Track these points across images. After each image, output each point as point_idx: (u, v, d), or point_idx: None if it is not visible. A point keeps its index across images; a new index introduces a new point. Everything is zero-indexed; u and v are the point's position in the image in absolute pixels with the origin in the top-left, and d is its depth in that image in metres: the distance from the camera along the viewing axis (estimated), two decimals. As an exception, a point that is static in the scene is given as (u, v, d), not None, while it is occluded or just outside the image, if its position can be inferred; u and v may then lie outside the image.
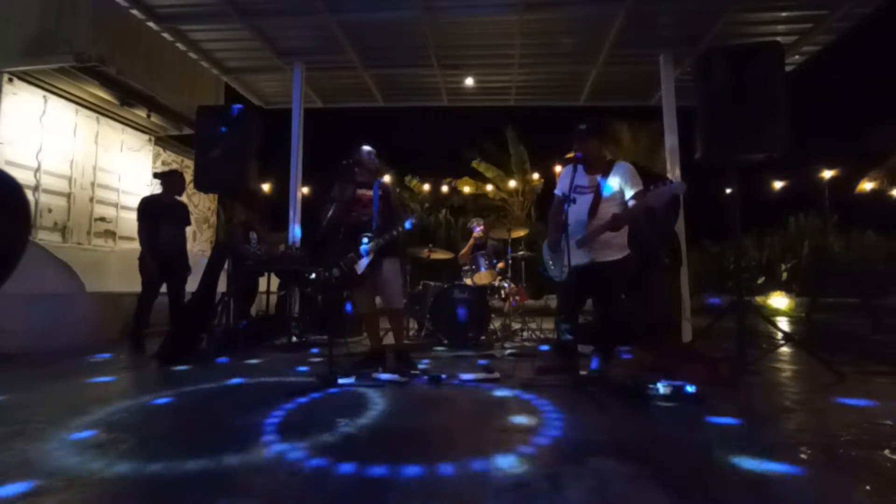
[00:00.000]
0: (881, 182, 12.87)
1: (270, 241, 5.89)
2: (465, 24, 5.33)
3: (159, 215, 4.38)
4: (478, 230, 5.70)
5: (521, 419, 2.15)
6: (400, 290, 3.46)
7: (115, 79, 6.56)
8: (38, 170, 6.37)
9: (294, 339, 4.94)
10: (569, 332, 2.99)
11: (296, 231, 5.76)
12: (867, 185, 13.02)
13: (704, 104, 3.27)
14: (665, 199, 2.49)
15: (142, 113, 7.51)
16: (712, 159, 3.29)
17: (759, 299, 10.79)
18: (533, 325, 5.39)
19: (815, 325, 7.01)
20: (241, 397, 2.63)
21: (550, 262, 3.07)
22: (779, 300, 10.87)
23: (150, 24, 5.41)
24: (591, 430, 2.00)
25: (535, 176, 13.56)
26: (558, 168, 13.89)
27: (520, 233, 5.58)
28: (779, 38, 5.29)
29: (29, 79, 6.39)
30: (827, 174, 14.33)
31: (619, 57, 5.82)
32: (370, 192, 3.40)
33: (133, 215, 4.89)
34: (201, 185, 4.18)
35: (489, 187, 13.87)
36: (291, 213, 5.89)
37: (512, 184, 13.41)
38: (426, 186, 13.75)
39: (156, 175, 5.18)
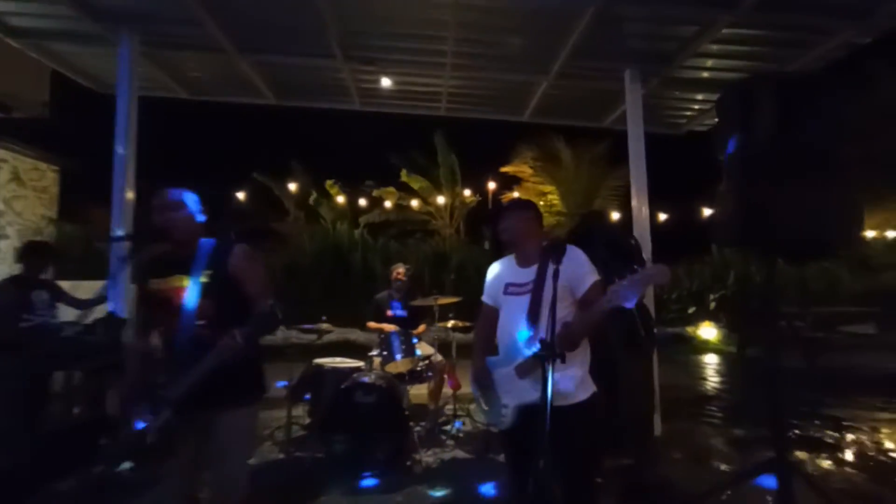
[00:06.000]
0: None
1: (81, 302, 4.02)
2: (379, 3, 3.90)
3: None
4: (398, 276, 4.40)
5: None
6: (244, 466, 1.99)
7: None
8: None
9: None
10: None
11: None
12: None
13: (739, 162, 2.15)
14: (639, 293, 1.66)
15: None
16: (741, 244, 2.19)
17: (689, 329, 10.60)
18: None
19: (750, 366, 6.64)
20: None
21: (482, 402, 2.13)
22: (708, 331, 10.78)
23: None
24: None
25: (467, 192, 12.40)
26: (492, 185, 12.96)
27: (448, 300, 4.26)
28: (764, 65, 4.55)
29: None
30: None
31: (578, 69, 4.76)
32: (179, 283, 1.89)
33: None
34: None
35: (414, 202, 12.43)
36: (113, 245, 4.04)
37: (440, 199, 12.11)
38: (340, 198, 11.95)
39: None
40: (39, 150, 9.39)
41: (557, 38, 4.30)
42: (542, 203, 10.27)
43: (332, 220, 11.37)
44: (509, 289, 2.04)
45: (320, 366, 3.92)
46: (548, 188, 10.12)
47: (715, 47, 4.36)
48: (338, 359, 4.09)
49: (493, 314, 2.09)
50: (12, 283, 3.79)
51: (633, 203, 4.53)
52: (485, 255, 10.89)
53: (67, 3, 3.88)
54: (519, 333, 1.93)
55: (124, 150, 4.16)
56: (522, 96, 5.60)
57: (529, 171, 9.69)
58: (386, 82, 4.92)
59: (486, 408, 2.10)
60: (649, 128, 4.95)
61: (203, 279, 1.89)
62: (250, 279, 1.95)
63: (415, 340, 3.89)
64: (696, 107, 5.83)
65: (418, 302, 4.35)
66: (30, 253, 3.89)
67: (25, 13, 4.21)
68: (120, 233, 3.70)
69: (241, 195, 12.84)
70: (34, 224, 9.34)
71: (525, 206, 2.15)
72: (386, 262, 9.77)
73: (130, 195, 4.10)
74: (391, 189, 12.42)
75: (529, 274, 1.99)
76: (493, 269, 2.17)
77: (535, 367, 1.81)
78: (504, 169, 9.83)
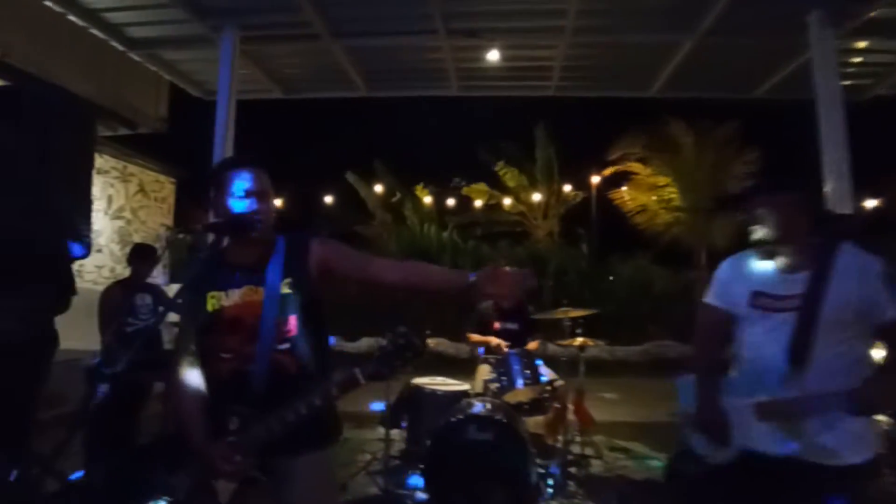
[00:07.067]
0: None
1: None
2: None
3: None
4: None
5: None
6: None
7: (5, 65, 5.28)
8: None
9: None
10: None
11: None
12: None
13: None
14: None
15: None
16: None
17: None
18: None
19: None
20: None
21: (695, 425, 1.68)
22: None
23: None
24: None
25: (568, 188, 11.35)
26: (595, 179, 11.72)
27: (580, 312, 3.49)
28: None
29: None
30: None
31: (737, 21, 3.78)
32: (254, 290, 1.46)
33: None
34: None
35: (507, 200, 11.61)
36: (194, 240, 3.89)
37: (537, 196, 11.20)
38: (427, 199, 11.54)
39: None
40: (159, 162, 10.36)
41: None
42: (654, 198, 9.02)
43: (418, 222, 11.00)
44: (761, 300, 1.59)
45: (419, 387, 3.36)
46: (663, 180, 8.83)
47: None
48: (438, 379, 3.52)
49: (725, 322, 1.68)
50: (120, 286, 3.73)
51: (829, 189, 3.43)
52: (585, 259, 9.88)
53: (176, 4, 3.91)
54: (772, 364, 1.52)
55: (223, 152, 4.19)
56: (655, 64, 4.69)
57: (639, 162, 8.50)
58: (493, 56, 4.29)
59: (696, 437, 1.68)
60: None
61: (284, 290, 1.42)
62: (346, 257, 1.50)
63: (539, 362, 3.18)
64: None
65: (541, 314, 3.64)
66: (136, 256, 3.84)
67: (141, 22, 4.35)
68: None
69: (327, 198, 13.04)
70: (155, 231, 10.24)
71: (789, 184, 1.64)
72: (477, 266, 9.10)
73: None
74: (482, 186, 11.74)
75: (794, 284, 1.53)
76: (730, 267, 1.72)
77: (789, 414, 1.47)
78: (612, 159, 8.71)
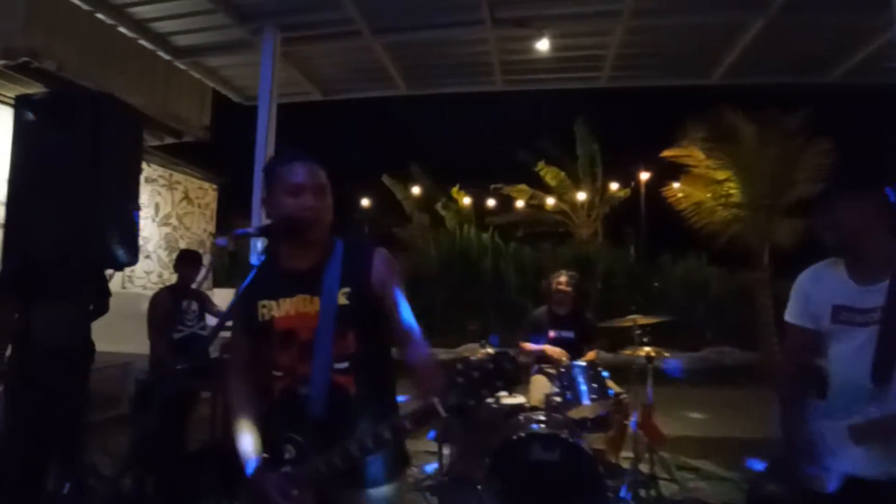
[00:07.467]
0: None
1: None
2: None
3: None
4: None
5: None
6: None
7: (60, 78, 5.50)
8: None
9: None
10: None
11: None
12: None
13: None
14: None
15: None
16: None
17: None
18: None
19: None
20: None
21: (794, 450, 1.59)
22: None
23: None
24: None
25: (615, 186, 10.86)
26: (644, 175, 11.16)
27: (648, 320, 3.21)
28: None
29: (-28, 89, 5.66)
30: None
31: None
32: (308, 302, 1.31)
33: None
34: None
35: (550, 200, 11.25)
36: (254, 258, 3.86)
37: (581, 196, 10.79)
38: (466, 200, 11.35)
39: None
40: (202, 170, 10.72)
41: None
42: (710, 195, 8.44)
43: (456, 224, 10.82)
44: (842, 315, 1.51)
45: (451, 381, 3.14)
46: (722, 174, 8.24)
47: None
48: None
49: (809, 341, 1.59)
50: (169, 292, 3.76)
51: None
52: (633, 260, 9.41)
53: (219, 9, 3.95)
54: (861, 383, 1.45)
55: (265, 155, 4.15)
56: (718, 48, 4.34)
57: (700, 154, 7.89)
58: (543, 45, 4.06)
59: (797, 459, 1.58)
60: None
61: (341, 300, 1.25)
62: (398, 295, 1.32)
63: (605, 375, 2.92)
64: None
65: (609, 322, 3.39)
66: (183, 262, 3.87)
67: (186, 30, 4.41)
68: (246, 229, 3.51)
69: (364, 201, 13.09)
70: (199, 237, 10.58)
71: (864, 185, 1.52)
72: (520, 269, 8.91)
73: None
74: (522, 186, 11.44)
75: (874, 295, 1.46)
76: (809, 280, 1.62)
77: (882, 435, 1.41)
78: (667, 153, 8.15)
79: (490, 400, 3.11)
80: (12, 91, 5.71)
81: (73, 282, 2.64)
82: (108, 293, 3.10)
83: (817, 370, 1.60)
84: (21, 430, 2.72)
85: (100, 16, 4.11)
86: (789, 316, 1.63)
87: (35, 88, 5.62)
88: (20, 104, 2.23)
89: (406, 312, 1.30)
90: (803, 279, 1.62)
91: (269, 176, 1.32)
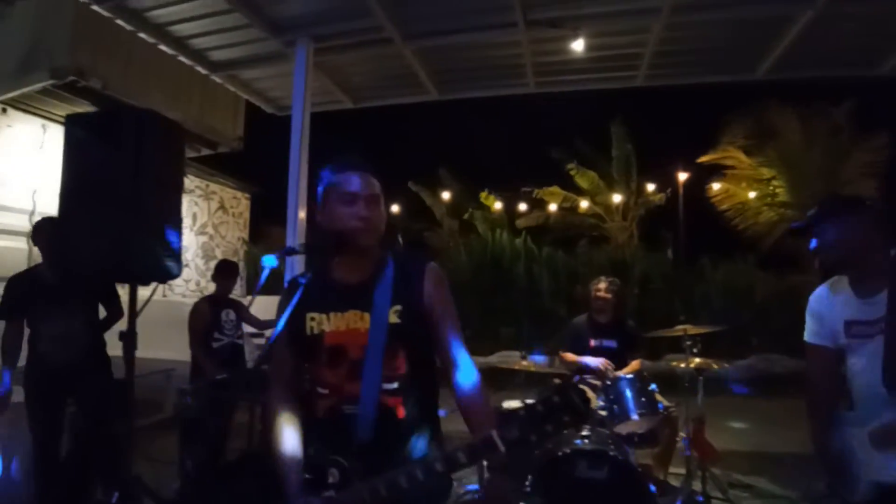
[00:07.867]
0: None
1: (263, 323, 4.03)
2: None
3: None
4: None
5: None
6: None
7: (105, 95, 5.92)
8: (32, 213, 6.08)
9: None
10: None
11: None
12: None
13: None
14: None
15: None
16: None
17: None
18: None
19: None
20: None
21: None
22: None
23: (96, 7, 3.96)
24: None
25: (651, 187, 10.54)
26: (682, 176, 10.77)
27: (699, 329, 3.05)
28: None
29: (22, 106, 6.13)
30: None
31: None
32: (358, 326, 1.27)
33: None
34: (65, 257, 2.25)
35: (583, 203, 11.01)
36: (287, 270, 3.91)
37: (616, 198, 10.51)
38: (498, 204, 11.22)
39: None
40: (235, 180, 11.05)
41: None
42: (754, 195, 8.06)
43: (487, 229, 10.73)
44: (853, 329, 1.63)
45: (514, 412, 3.07)
46: (768, 173, 7.83)
47: None
48: (530, 402, 3.20)
49: (831, 358, 1.68)
50: (207, 302, 3.83)
51: None
52: (671, 264, 9.06)
53: (254, 23, 4.05)
54: (876, 390, 1.54)
55: (299, 164, 4.23)
56: (764, 43, 4.15)
57: (740, 155, 7.54)
58: (578, 46, 3.97)
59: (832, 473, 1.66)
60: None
61: (392, 318, 1.21)
62: (449, 317, 1.27)
63: (653, 388, 2.79)
64: None
65: (656, 332, 3.25)
66: (221, 273, 3.94)
67: (222, 45, 4.54)
68: (294, 245, 3.55)
69: (394, 207, 13.15)
70: (233, 245, 10.89)
71: (856, 206, 1.65)
72: (555, 274, 8.73)
73: (303, 214, 4.21)
74: (554, 189, 11.23)
75: (878, 306, 1.55)
76: (819, 301, 1.73)
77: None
78: (704, 159, 7.83)
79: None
80: (62, 110, 6.04)
81: (79, 296, 2.77)
82: (116, 296, 3.18)
83: (843, 383, 1.67)
84: (50, 444, 2.83)
85: (142, 35, 4.28)
86: (809, 336, 1.71)
87: (82, 107, 5.94)
88: (71, 122, 2.31)
89: (455, 334, 1.26)
90: (814, 301, 1.73)
91: (322, 185, 1.30)
